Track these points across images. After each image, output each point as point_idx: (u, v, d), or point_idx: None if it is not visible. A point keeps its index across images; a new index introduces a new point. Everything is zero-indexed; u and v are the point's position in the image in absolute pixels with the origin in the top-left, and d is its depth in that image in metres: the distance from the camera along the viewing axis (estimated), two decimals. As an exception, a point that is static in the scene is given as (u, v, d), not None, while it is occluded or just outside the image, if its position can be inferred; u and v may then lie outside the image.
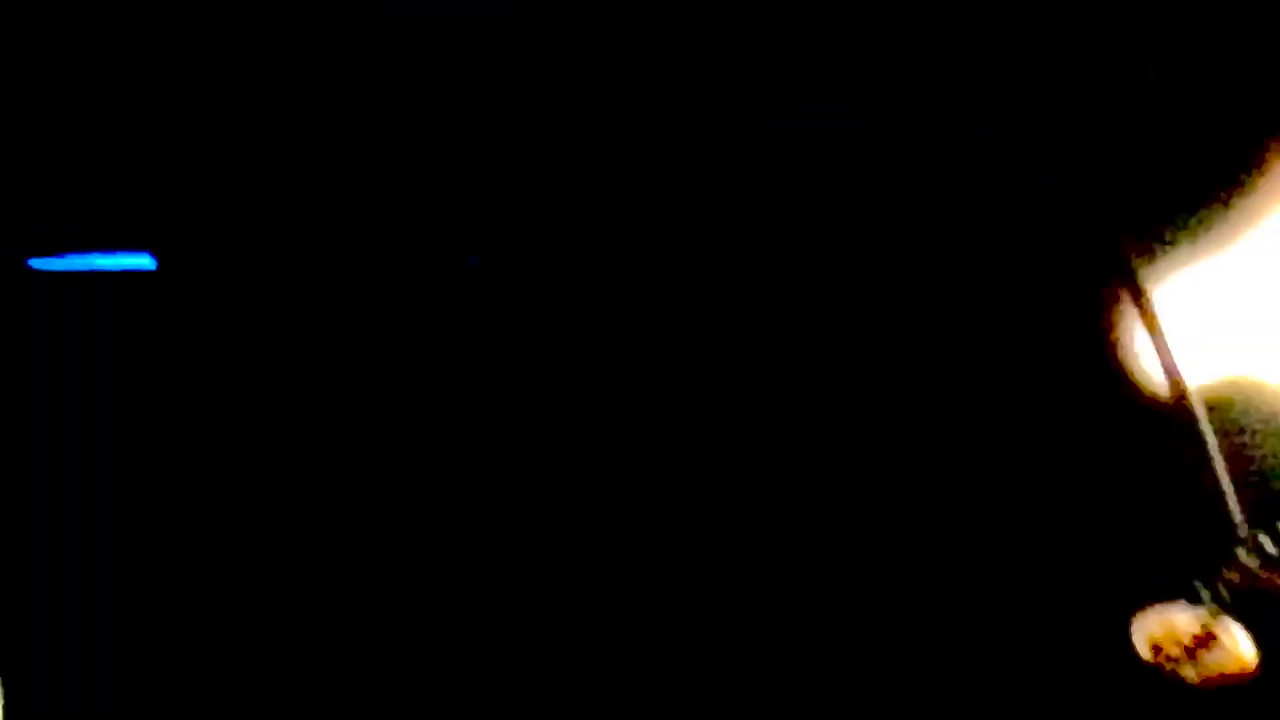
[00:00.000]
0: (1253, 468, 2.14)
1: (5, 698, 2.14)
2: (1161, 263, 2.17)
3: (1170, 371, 2.04)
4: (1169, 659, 2.06)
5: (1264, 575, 2.06)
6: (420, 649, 2.21)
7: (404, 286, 2.24)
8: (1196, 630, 2.05)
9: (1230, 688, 2.08)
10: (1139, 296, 2.07)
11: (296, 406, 2.25)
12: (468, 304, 2.20)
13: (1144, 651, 2.08)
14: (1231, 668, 2.05)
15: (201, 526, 2.23)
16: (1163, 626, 2.07)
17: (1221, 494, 2.11)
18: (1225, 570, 2.08)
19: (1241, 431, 2.17)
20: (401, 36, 2.27)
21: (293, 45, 2.27)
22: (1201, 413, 2.07)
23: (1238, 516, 2.12)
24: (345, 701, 2.21)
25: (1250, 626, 2.07)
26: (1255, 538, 2.07)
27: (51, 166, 2.28)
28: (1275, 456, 2.18)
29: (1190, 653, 2.06)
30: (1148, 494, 2.20)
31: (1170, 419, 2.07)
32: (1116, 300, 2.12)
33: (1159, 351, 2.05)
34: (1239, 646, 2.05)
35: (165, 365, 2.26)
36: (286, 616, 2.22)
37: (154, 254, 2.18)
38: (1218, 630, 2.04)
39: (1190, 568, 2.14)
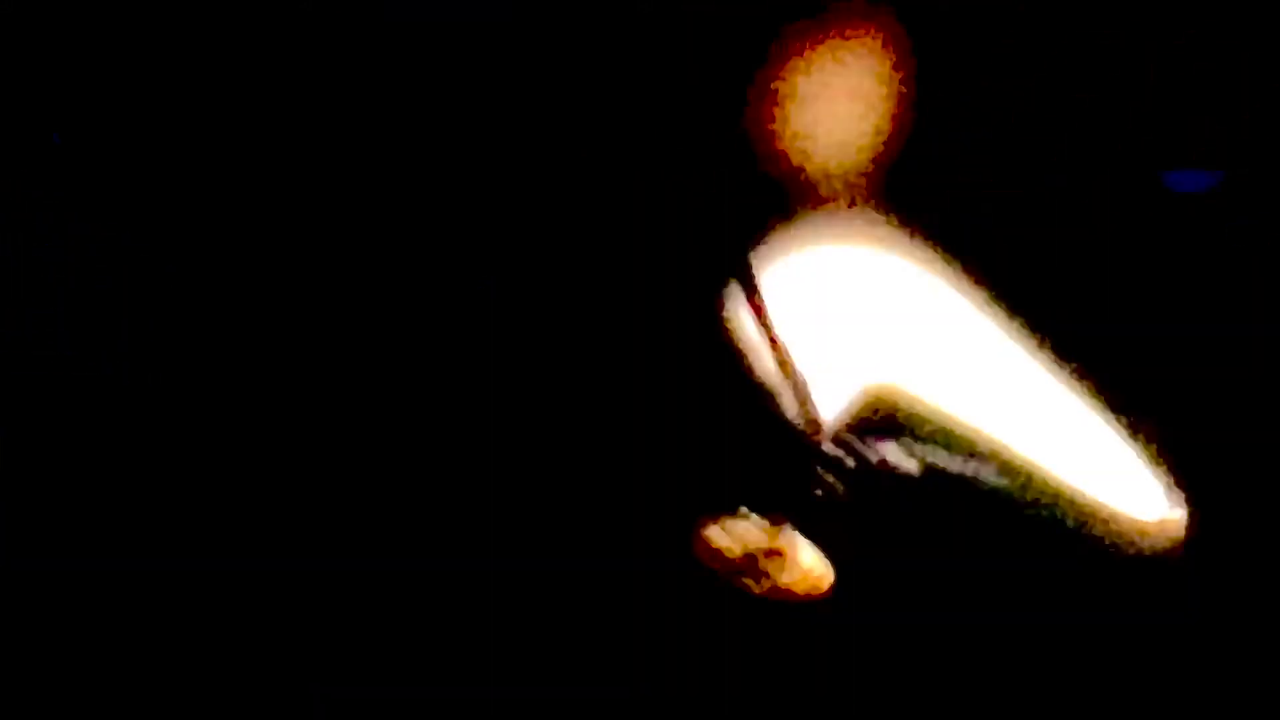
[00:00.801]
0: (833, 385, 2.15)
1: None
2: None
3: (751, 292, 2.05)
4: (733, 569, 2.07)
5: (834, 490, 2.08)
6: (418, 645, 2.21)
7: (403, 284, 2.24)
8: (764, 543, 2.06)
9: (797, 602, 2.08)
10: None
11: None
12: (469, 305, 2.20)
13: (708, 561, 2.08)
14: (798, 582, 2.06)
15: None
16: (729, 538, 2.08)
17: (795, 408, 2.10)
18: (797, 484, 2.09)
19: (813, 348, 2.17)
20: (400, 36, 2.27)
21: (293, 44, 2.28)
22: (779, 326, 2.08)
23: (810, 431, 2.10)
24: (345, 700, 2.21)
25: (819, 542, 2.09)
26: (826, 453, 2.08)
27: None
28: (850, 371, 2.17)
29: (756, 565, 2.06)
30: (718, 403, 2.21)
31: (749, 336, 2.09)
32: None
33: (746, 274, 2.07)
34: (806, 561, 2.06)
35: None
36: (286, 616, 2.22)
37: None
38: (784, 545, 2.05)
39: (761, 481, 2.14)
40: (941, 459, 2.12)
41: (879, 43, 2.18)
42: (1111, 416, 2.15)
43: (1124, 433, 2.15)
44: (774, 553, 2.07)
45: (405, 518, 2.25)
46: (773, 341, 2.12)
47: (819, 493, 2.09)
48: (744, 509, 2.09)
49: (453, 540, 2.24)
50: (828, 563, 2.09)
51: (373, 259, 2.25)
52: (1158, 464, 2.15)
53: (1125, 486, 2.15)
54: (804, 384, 2.11)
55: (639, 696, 2.18)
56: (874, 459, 2.10)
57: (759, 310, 2.12)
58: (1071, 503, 2.13)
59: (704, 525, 2.09)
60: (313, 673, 2.22)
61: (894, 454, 2.10)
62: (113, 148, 2.28)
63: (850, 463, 2.10)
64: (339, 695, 2.22)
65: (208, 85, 2.26)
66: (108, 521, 2.24)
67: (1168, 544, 2.14)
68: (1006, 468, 2.14)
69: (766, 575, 2.08)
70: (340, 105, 2.26)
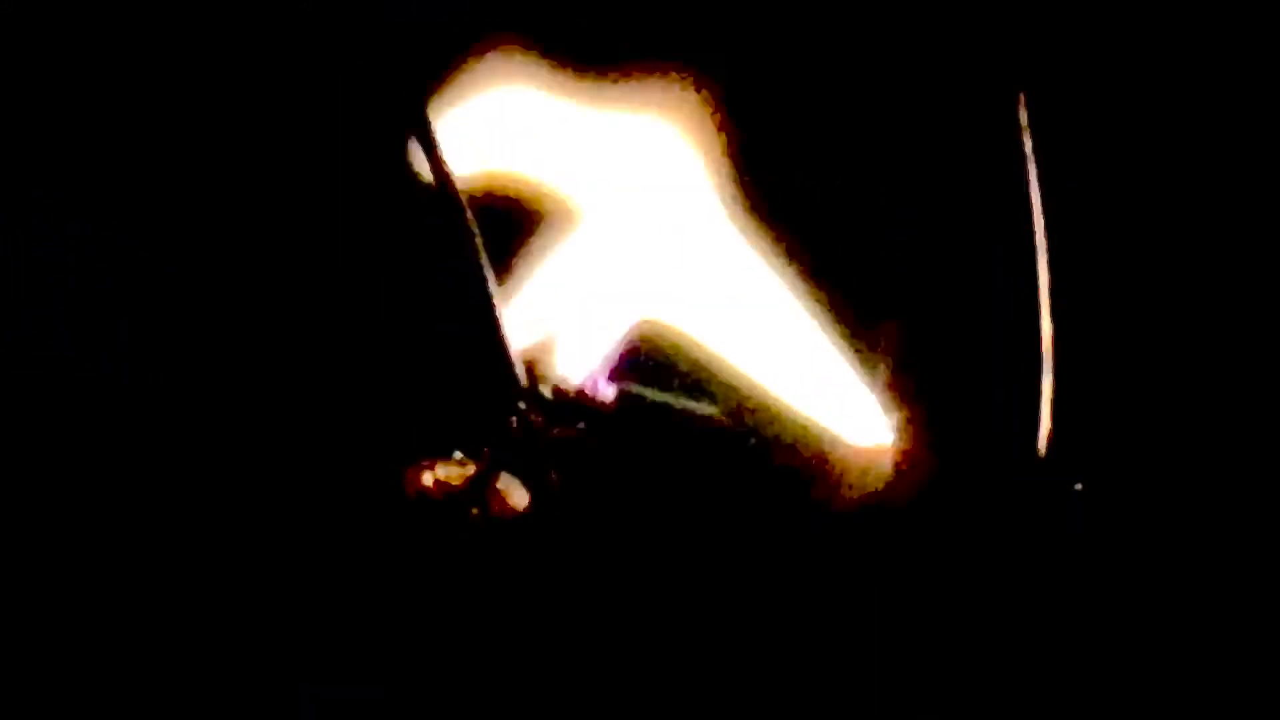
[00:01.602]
0: (537, 322, 2.19)
1: None
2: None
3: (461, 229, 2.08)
4: (438, 503, 2.11)
5: (541, 426, 2.13)
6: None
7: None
8: (468, 477, 2.11)
9: (502, 532, 2.14)
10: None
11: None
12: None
13: (416, 495, 2.12)
14: (504, 515, 2.12)
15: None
16: (436, 474, 2.12)
17: (502, 346, 2.13)
18: (502, 420, 2.13)
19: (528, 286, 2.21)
20: (398, 37, 2.26)
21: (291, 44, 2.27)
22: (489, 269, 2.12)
23: (518, 368, 2.14)
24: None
25: (525, 477, 2.14)
26: (535, 389, 2.13)
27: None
28: (561, 308, 2.21)
29: (465, 499, 2.11)
30: (426, 349, 2.24)
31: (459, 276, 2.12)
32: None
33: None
34: (513, 496, 2.12)
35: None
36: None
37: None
38: (493, 480, 2.11)
39: (468, 418, 2.18)
40: (669, 394, 2.16)
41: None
42: (847, 343, 2.20)
43: (860, 361, 2.20)
44: (483, 487, 2.12)
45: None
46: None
47: (516, 425, 2.13)
48: (457, 452, 2.14)
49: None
50: (524, 490, 2.14)
51: (373, 259, 2.25)
52: (891, 393, 2.20)
53: (849, 413, 2.20)
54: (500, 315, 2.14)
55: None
56: (573, 390, 2.14)
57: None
58: (792, 427, 2.18)
59: (414, 469, 2.13)
60: (307, 672, 2.21)
61: (610, 388, 2.14)
62: (113, 148, 2.27)
63: (548, 394, 2.13)
64: (329, 695, 2.21)
65: (208, 85, 2.25)
66: (108, 522, 2.23)
67: (883, 474, 2.19)
68: (729, 393, 2.19)
69: (480, 507, 2.12)
70: (340, 105, 2.26)
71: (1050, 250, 2.14)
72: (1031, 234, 2.14)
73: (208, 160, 2.28)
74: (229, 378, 2.27)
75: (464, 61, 2.22)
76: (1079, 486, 2.13)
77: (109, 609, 2.21)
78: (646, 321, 2.21)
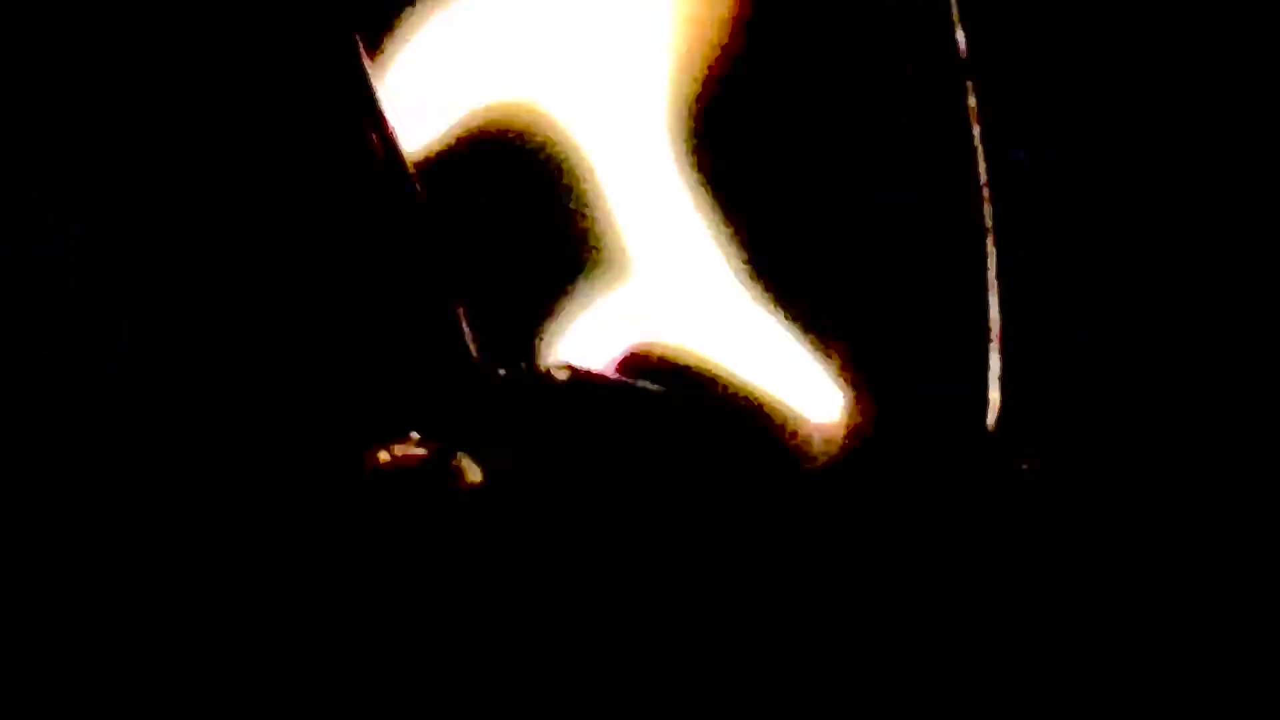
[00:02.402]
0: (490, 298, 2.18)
1: None
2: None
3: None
4: (395, 483, 2.11)
5: (495, 404, 2.14)
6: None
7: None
8: (424, 458, 2.11)
9: (459, 512, 2.14)
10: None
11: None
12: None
13: (369, 477, 2.13)
14: (461, 494, 2.12)
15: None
16: (393, 455, 2.13)
17: (455, 321, 2.13)
18: (457, 399, 2.13)
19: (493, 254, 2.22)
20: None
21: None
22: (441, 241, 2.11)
23: (471, 345, 2.14)
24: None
25: (481, 456, 2.14)
26: (489, 366, 2.13)
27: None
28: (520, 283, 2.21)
29: (421, 479, 2.11)
30: (378, 328, 2.23)
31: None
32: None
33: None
34: (470, 475, 2.12)
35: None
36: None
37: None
38: (449, 460, 2.11)
39: (423, 398, 2.18)
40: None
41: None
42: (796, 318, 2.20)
43: (809, 336, 2.20)
44: (438, 462, 2.13)
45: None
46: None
47: (471, 403, 2.13)
48: (413, 434, 2.14)
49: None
50: (479, 470, 2.14)
51: (373, 259, 2.26)
52: (839, 368, 2.19)
53: (797, 387, 2.20)
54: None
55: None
56: (527, 368, 2.15)
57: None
58: (742, 402, 2.18)
59: (370, 451, 2.14)
60: (306, 673, 2.21)
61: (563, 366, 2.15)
62: (113, 148, 2.28)
63: (502, 372, 2.13)
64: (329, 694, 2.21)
65: (208, 85, 2.26)
66: (107, 522, 2.24)
67: (832, 449, 2.19)
68: (679, 369, 2.20)
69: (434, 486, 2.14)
70: (339, 105, 2.27)
71: (997, 226, 2.14)
72: (980, 209, 2.14)
73: (208, 160, 2.29)
74: (229, 378, 2.28)
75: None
76: (1027, 465, 2.12)
77: (108, 609, 2.22)
78: (599, 300, 2.22)
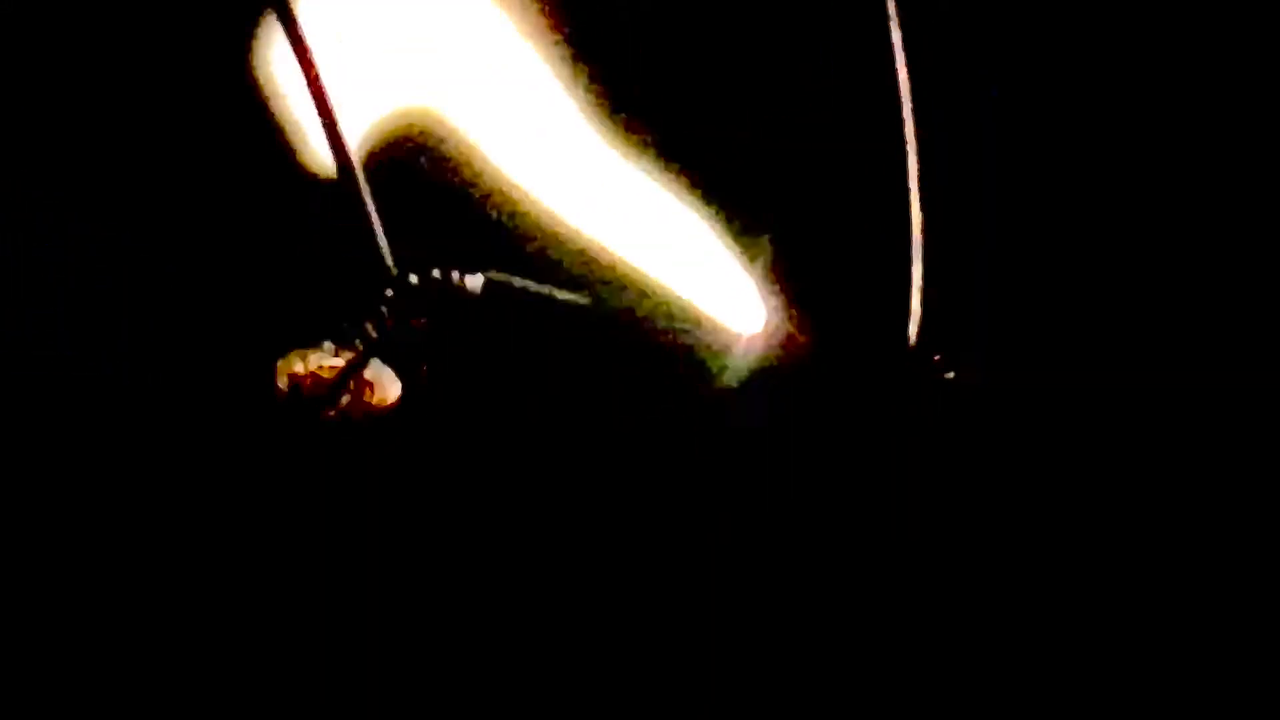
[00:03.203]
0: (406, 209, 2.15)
1: None
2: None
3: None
4: (309, 394, 2.09)
5: (409, 315, 2.10)
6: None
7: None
8: (340, 366, 2.09)
9: (373, 420, 2.11)
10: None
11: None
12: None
13: (283, 387, 2.09)
14: (374, 403, 2.11)
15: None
16: (307, 364, 2.10)
17: (371, 234, 2.10)
18: (373, 310, 2.10)
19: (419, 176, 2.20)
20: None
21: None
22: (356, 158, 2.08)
23: (387, 257, 2.11)
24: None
25: (394, 364, 2.12)
26: (403, 277, 2.09)
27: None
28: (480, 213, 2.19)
29: (333, 389, 2.08)
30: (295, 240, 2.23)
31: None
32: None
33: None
34: (383, 384, 2.11)
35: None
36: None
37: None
38: (362, 369, 2.10)
39: (338, 308, 2.14)
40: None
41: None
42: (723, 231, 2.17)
43: (736, 248, 2.17)
44: (351, 376, 2.11)
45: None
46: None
47: (385, 313, 2.10)
48: (327, 342, 2.12)
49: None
50: (396, 380, 2.12)
51: (373, 259, 2.28)
52: (766, 280, 2.17)
53: (723, 299, 2.18)
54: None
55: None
56: (440, 278, 2.11)
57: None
58: (666, 312, 2.16)
59: (284, 360, 2.12)
60: (305, 673, 2.21)
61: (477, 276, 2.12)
62: (113, 148, 2.32)
63: (416, 282, 2.10)
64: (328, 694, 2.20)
65: (208, 85, 2.29)
66: (107, 522, 2.25)
67: (757, 360, 2.16)
68: (603, 280, 2.17)
69: (346, 398, 2.11)
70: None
71: (919, 139, 2.12)
72: (901, 122, 2.12)
73: (208, 160, 2.32)
74: (229, 378, 2.30)
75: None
76: (950, 374, 2.08)
77: (109, 608, 2.24)
78: (517, 207, 2.21)
